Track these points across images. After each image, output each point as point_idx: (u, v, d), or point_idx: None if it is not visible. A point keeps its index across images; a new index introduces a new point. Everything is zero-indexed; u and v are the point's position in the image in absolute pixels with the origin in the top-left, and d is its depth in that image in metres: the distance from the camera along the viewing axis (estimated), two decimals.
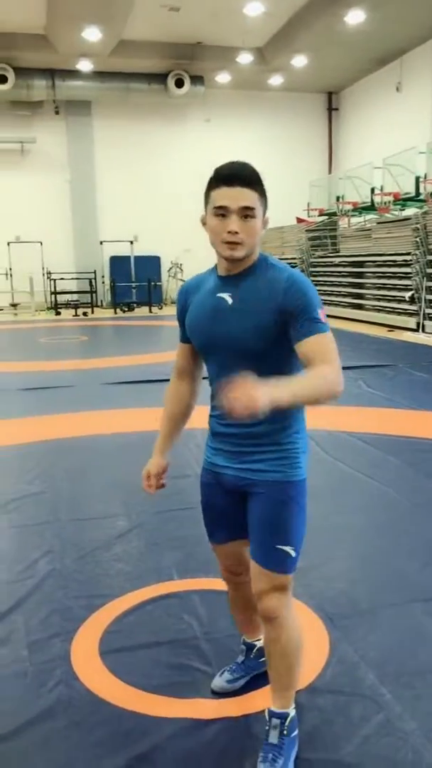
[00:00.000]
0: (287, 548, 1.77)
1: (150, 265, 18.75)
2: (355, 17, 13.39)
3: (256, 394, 1.38)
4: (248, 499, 1.83)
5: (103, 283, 18.83)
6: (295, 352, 1.67)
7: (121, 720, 2.05)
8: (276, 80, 17.94)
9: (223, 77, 17.55)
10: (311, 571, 2.98)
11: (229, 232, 1.65)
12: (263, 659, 2.11)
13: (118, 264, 18.68)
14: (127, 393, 6.97)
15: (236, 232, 1.65)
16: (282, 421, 1.77)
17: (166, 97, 17.75)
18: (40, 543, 3.35)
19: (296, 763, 1.84)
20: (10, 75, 16.26)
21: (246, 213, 1.65)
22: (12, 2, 13.22)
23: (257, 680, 2.20)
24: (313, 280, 16.18)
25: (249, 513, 1.83)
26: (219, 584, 2.79)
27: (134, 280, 18.10)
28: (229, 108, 19.07)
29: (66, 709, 2.10)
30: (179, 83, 17.32)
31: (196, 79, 17.58)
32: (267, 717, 1.88)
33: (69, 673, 2.29)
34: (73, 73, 16.89)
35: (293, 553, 1.79)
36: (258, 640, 2.20)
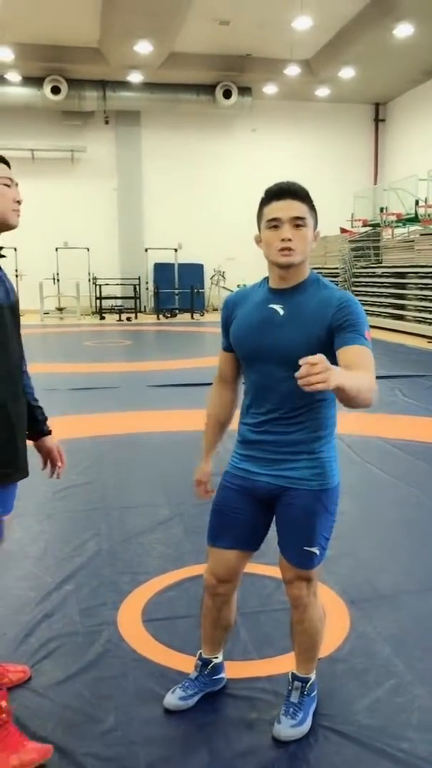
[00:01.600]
0: (313, 549, 1.92)
1: (193, 272, 19.13)
2: (403, 30, 13.53)
3: (332, 370, 1.43)
4: (277, 504, 1.95)
5: (147, 289, 19.28)
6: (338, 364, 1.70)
7: (159, 674, 2.33)
8: (323, 91, 18.16)
9: (270, 88, 17.85)
10: (340, 559, 3.22)
11: (282, 239, 1.80)
12: (216, 677, 2.23)
13: (162, 271, 19.10)
14: (170, 395, 7.28)
15: (290, 239, 1.80)
16: (317, 430, 1.89)
17: (214, 107, 18.14)
18: (89, 526, 3.65)
19: (315, 716, 2.08)
20: (63, 86, 16.85)
21: (297, 222, 1.81)
22: (67, 17, 13.76)
23: (286, 644, 2.45)
24: (355, 291, 16.31)
25: (279, 516, 1.96)
26: (251, 567, 3.06)
27: (177, 287, 18.50)
28: (275, 119, 19.36)
29: (112, 663, 2.40)
30: (227, 94, 17.69)
31: (244, 90, 17.93)
32: (290, 679, 2.11)
33: (115, 634, 2.58)
34: (124, 85, 17.41)
35: (318, 552, 1.94)
36: (215, 657, 2.23)
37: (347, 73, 16.48)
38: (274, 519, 2.01)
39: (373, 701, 2.17)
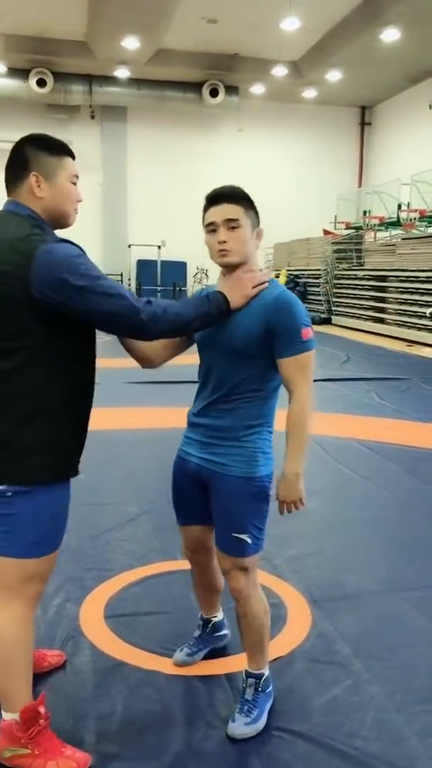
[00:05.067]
0: (243, 536, 1.97)
1: (176, 269, 19.11)
2: (390, 35, 13.62)
3: (294, 497, 1.95)
4: (209, 489, 2.03)
5: (129, 286, 19.23)
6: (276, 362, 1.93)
7: (117, 670, 2.33)
8: (310, 93, 18.21)
9: (257, 88, 17.86)
10: (304, 558, 3.24)
11: (219, 242, 1.93)
12: (218, 633, 2.43)
13: (145, 267, 19.06)
14: (147, 392, 7.26)
15: (224, 241, 1.93)
16: (248, 420, 1.97)
17: (201, 106, 18.11)
18: None
19: (270, 714, 2.09)
20: (49, 79, 16.71)
21: (232, 225, 1.92)
22: (55, 10, 13.66)
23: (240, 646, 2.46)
24: (336, 293, 16.40)
25: (212, 502, 2.04)
26: None
27: (160, 284, 18.46)
28: (261, 119, 19.38)
29: (71, 659, 2.39)
30: (214, 93, 17.66)
31: (231, 90, 17.91)
32: (243, 677, 2.12)
33: (76, 630, 2.57)
34: (110, 80, 17.31)
35: (249, 540, 1.97)
36: (214, 616, 2.42)
37: (334, 75, 16.54)
38: None
39: (329, 699, 2.19)
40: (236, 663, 2.38)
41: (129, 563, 3.17)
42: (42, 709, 1.89)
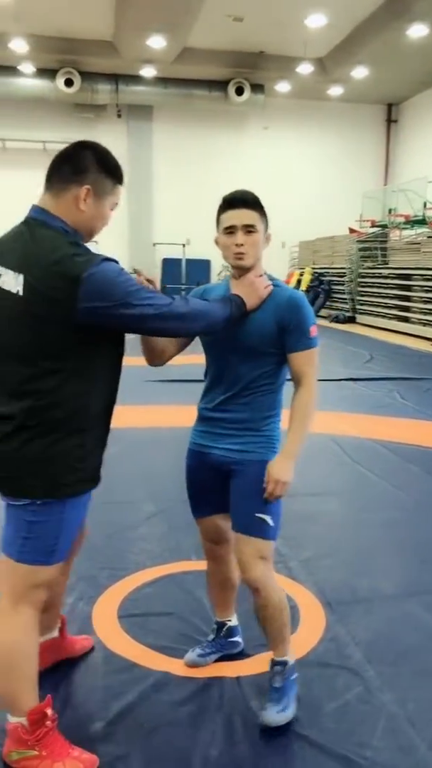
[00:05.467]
0: (265, 516, 2.06)
1: (201, 268, 19.10)
2: (417, 31, 13.43)
3: (286, 479, 2.00)
4: (231, 476, 2.11)
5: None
6: (286, 357, 2.08)
7: (128, 671, 2.33)
8: (336, 90, 18.07)
9: (282, 86, 17.77)
10: (318, 560, 3.21)
11: (236, 245, 2.03)
12: (232, 639, 2.44)
13: (170, 266, 19.09)
14: (166, 390, 7.27)
15: (242, 245, 2.03)
16: (263, 411, 2.11)
17: (226, 104, 18.07)
18: None
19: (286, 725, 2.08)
20: (77, 79, 16.82)
21: (249, 229, 2.03)
22: (82, 11, 13.73)
23: (256, 647, 2.45)
24: (361, 291, 16.26)
25: (231, 488, 2.11)
26: None
27: (184, 283, 18.48)
28: (287, 117, 19.28)
29: (82, 658, 2.39)
30: (239, 91, 17.62)
31: (257, 88, 17.86)
32: (270, 666, 2.16)
33: (89, 629, 2.58)
34: (137, 79, 17.36)
35: (271, 522, 2.06)
36: (229, 619, 2.44)
37: (360, 72, 16.38)
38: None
39: (342, 705, 2.17)
40: (248, 666, 2.37)
41: (143, 563, 3.18)
42: (49, 711, 1.89)
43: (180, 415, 6.00)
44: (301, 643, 2.48)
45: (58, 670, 2.32)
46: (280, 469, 2.01)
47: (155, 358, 2.21)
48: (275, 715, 2.06)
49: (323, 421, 5.97)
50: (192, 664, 2.36)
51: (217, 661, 2.40)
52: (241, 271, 2.09)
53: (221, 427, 2.13)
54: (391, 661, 2.42)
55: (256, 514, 2.05)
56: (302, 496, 4.07)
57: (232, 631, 2.45)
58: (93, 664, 2.38)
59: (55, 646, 2.34)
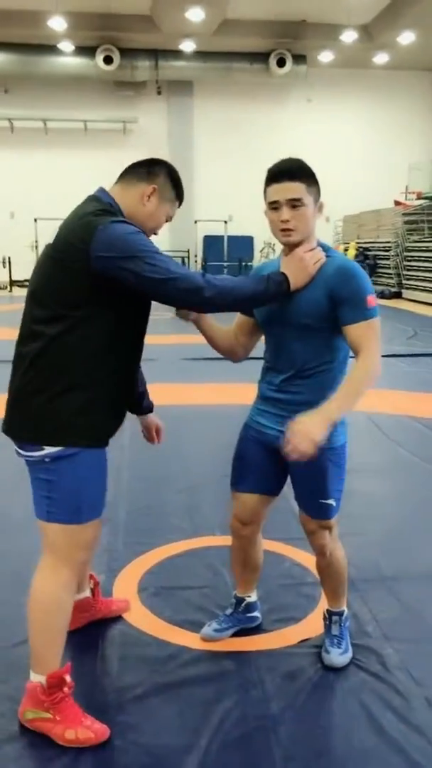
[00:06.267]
0: (329, 501, 2.10)
1: (243, 244, 18.95)
2: None
3: (314, 437, 1.75)
4: (290, 461, 2.04)
5: (196, 262, 19.22)
6: (342, 331, 1.96)
7: (143, 644, 2.35)
8: (381, 58, 17.53)
9: (326, 56, 17.34)
10: (345, 538, 3.09)
11: (282, 221, 1.94)
12: (250, 614, 2.44)
13: (212, 243, 19.00)
14: (204, 368, 7.24)
15: (288, 221, 1.93)
16: (324, 390, 2.00)
17: (268, 77, 17.75)
18: None
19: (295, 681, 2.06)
20: (116, 56, 16.75)
21: (294, 204, 1.92)
22: None
23: (277, 622, 2.43)
24: (407, 266, 15.87)
25: (293, 473, 2.13)
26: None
27: (226, 260, 18.37)
28: (331, 87, 18.83)
29: (98, 629, 2.42)
30: (281, 63, 17.26)
31: (299, 59, 17.46)
32: (326, 615, 2.31)
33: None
34: (176, 54, 17.19)
35: (334, 504, 2.11)
36: (248, 596, 2.43)
37: (407, 37, 15.82)
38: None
39: (360, 682, 2.14)
40: (264, 641, 2.36)
41: (167, 537, 3.19)
42: (67, 678, 1.93)
43: (215, 393, 6.01)
44: (319, 620, 2.44)
45: (74, 638, 2.35)
46: (310, 424, 1.77)
47: (227, 353, 2.23)
48: (339, 656, 2.21)
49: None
50: (208, 638, 2.36)
51: (234, 635, 2.39)
52: (291, 248, 2.00)
53: (281, 408, 2.08)
54: (412, 639, 2.37)
55: (320, 500, 2.09)
56: None
57: (250, 607, 2.45)
58: (110, 636, 2.40)
59: (87, 605, 2.42)
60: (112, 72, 17.04)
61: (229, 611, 2.44)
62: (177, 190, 2.04)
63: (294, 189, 1.91)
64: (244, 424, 2.23)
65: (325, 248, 2.03)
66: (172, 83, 18.39)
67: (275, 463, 2.11)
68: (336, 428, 2.02)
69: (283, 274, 1.96)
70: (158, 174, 1.99)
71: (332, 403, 1.85)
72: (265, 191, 1.98)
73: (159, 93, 18.49)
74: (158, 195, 1.97)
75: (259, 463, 2.17)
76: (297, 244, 1.97)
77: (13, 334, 2.02)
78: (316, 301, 1.94)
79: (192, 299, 1.89)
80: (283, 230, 1.95)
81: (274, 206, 1.95)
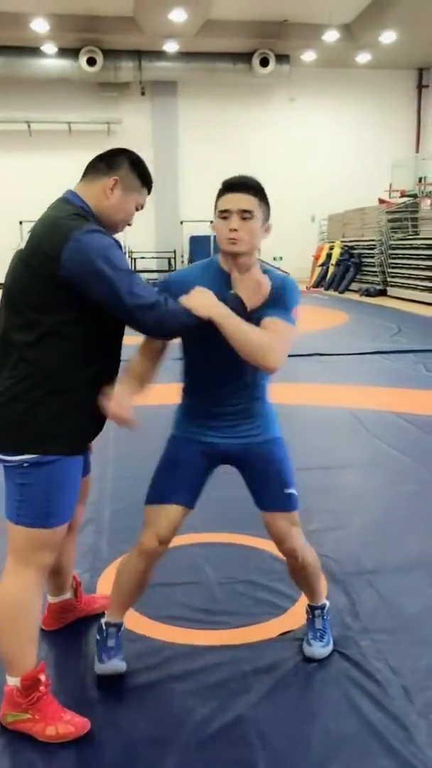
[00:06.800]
0: (291, 490, 2.16)
1: None
2: None
3: (211, 302, 1.88)
4: (242, 466, 2.18)
5: (182, 262, 19.25)
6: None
7: (129, 640, 2.37)
8: (363, 57, 17.63)
9: (308, 55, 17.42)
10: (326, 532, 3.21)
11: (231, 229, 1.94)
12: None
13: (198, 243, 19.01)
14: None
15: (236, 230, 1.93)
16: (259, 393, 2.14)
17: (251, 76, 17.81)
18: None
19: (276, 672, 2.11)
20: (99, 57, 16.74)
21: (244, 215, 1.94)
22: None
23: (258, 615, 2.47)
24: (392, 263, 15.97)
25: (250, 475, 2.18)
26: (237, 538, 3.09)
27: None
28: (314, 87, 18.91)
29: (84, 627, 2.46)
30: (264, 62, 17.32)
31: (282, 58, 17.53)
32: (308, 610, 2.35)
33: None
34: (160, 54, 17.20)
35: (295, 492, 2.17)
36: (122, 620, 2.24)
37: (389, 37, 15.92)
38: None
39: (337, 672, 2.18)
40: (246, 635, 2.40)
41: None
42: (42, 677, 1.95)
43: None
44: (300, 612, 2.49)
45: (54, 635, 2.38)
46: (212, 297, 1.90)
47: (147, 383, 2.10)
48: (321, 649, 2.27)
49: (341, 395, 5.92)
50: (114, 672, 2.16)
51: (216, 629, 2.43)
52: (233, 258, 1.98)
53: (222, 420, 2.12)
54: (390, 630, 2.41)
55: (285, 491, 2.14)
56: (316, 470, 4.06)
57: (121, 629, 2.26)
58: (94, 632, 2.42)
59: (69, 606, 2.47)
60: (95, 73, 17.02)
61: (112, 643, 2.19)
62: (142, 178, 2.03)
63: (247, 201, 1.94)
64: (175, 437, 2.19)
65: (264, 266, 2.07)
66: (155, 84, 18.40)
67: (207, 473, 2.19)
68: (275, 420, 2.17)
69: (238, 296, 1.95)
70: (119, 165, 1.98)
71: (232, 317, 1.88)
72: (216, 201, 2.00)
73: (143, 94, 18.51)
74: (121, 186, 1.97)
75: (195, 474, 2.15)
76: (240, 255, 1.97)
77: None
78: (260, 319, 1.97)
79: (148, 323, 1.87)
80: (230, 239, 1.94)
81: (224, 215, 1.95)
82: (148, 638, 2.40)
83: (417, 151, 19.33)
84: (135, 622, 2.49)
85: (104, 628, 2.21)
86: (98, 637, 2.22)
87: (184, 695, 2.09)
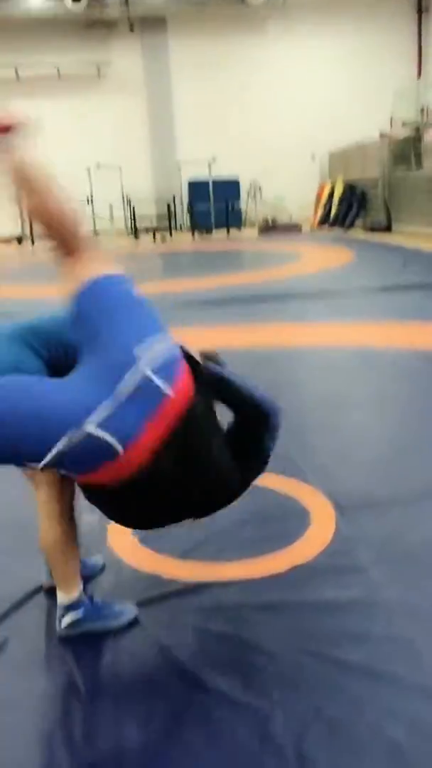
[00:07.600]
0: None
1: (229, 187, 18.52)
2: None
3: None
4: None
5: (182, 206, 18.86)
6: None
7: (140, 577, 2.41)
8: None
9: None
10: (333, 467, 3.23)
11: None
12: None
13: (197, 188, 18.57)
14: (198, 313, 7.14)
15: None
16: None
17: (244, 7, 17.10)
18: None
19: (286, 604, 2.17)
20: None
21: None
22: None
23: (275, 552, 2.49)
24: (395, 198, 15.58)
25: None
26: None
27: (213, 203, 18.01)
28: (309, 15, 18.12)
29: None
30: None
31: None
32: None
33: (103, 542, 2.65)
34: None
35: None
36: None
37: None
38: None
39: (347, 601, 2.21)
40: (251, 569, 2.42)
41: None
42: None
43: (205, 337, 5.97)
44: (309, 545, 2.51)
45: None
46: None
47: None
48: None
49: (346, 333, 5.87)
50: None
51: (222, 562, 2.45)
52: None
53: None
54: (398, 560, 2.43)
55: None
56: (323, 408, 4.05)
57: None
58: (108, 572, 2.46)
59: None
60: (81, 12, 16.39)
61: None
62: None
63: None
64: None
65: None
66: (144, 20, 17.71)
67: None
68: None
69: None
70: None
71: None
72: None
73: (131, 30, 17.80)
74: None
75: None
76: None
77: None
78: None
79: None
80: None
81: None
82: (155, 574, 2.42)
83: (419, 77, 18.66)
84: (143, 560, 2.52)
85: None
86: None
87: (191, 627, 2.13)
